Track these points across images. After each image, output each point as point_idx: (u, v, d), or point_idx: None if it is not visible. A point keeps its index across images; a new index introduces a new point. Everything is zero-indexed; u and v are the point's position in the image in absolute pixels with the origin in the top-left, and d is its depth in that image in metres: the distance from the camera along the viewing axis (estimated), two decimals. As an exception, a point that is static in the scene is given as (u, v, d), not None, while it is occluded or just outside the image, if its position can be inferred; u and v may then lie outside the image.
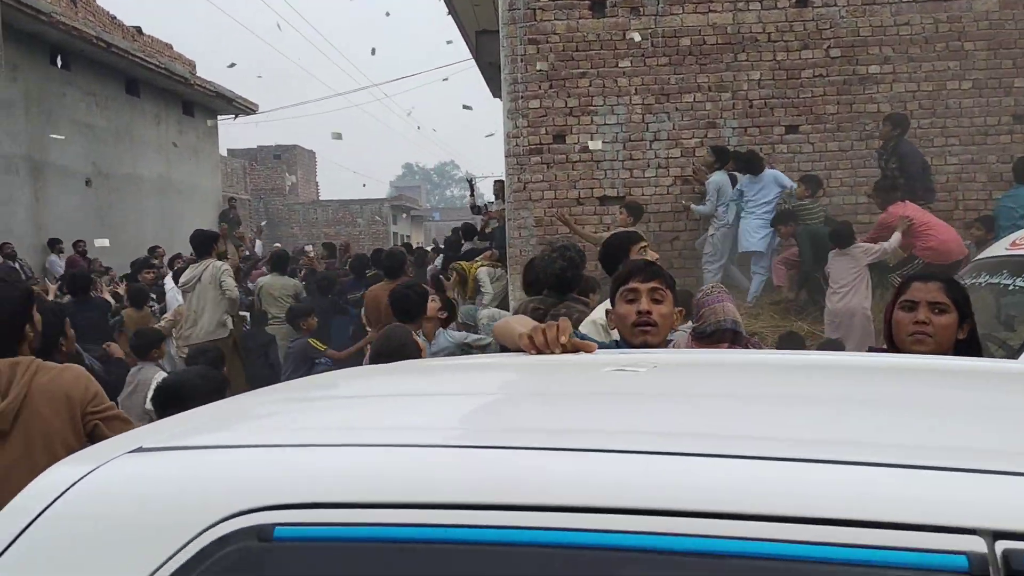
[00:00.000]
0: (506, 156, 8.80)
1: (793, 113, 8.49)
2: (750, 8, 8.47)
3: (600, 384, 1.54)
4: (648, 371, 1.62)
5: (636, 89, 8.64)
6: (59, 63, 14.80)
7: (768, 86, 8.49)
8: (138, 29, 17.77)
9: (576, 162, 8.69)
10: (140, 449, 1.19)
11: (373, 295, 6.71)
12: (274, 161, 33.85)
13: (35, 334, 2.70)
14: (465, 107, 12.90)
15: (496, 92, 13.97)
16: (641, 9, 8.60)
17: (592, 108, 8.67)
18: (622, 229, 8.00)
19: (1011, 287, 3.46)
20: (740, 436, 1.08)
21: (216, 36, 29.35)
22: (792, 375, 1.69)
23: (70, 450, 2.46)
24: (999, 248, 4.00)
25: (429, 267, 10.93)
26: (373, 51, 16.12)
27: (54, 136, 13.56)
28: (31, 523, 1.12)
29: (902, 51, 8.32)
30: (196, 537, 1.03)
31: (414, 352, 3.94)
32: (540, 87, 8.70)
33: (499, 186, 11.37)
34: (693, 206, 8.31)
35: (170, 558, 1.03)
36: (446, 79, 19.73)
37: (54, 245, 13.87)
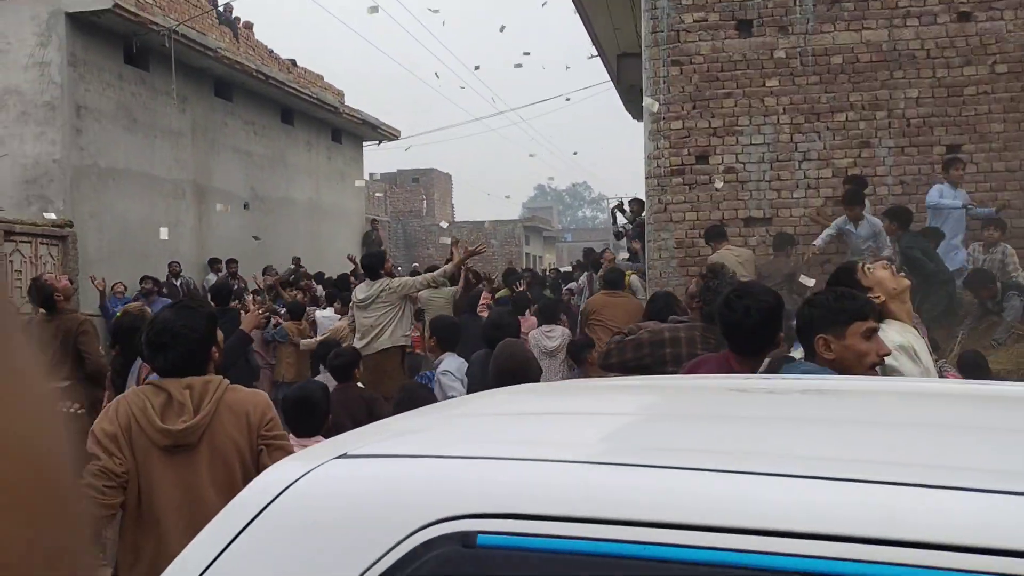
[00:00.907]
0: (647, 177, 8.76)
1: (955, 132, 8.05)
2: (907, 24, 8.12)
3: (784, 408, 1.52)
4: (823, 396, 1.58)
5: (784, 108, 8.43)
6: (221, 94, 15.85)
7: (927, 104, 8.10)
8: (293, 62, 18.83)
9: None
10: (345, 455, 1.26)
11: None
12: (412, 184, 34.99)
13: (219, 353, 2.94)
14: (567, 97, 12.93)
15: (637, 114, 13.95)
16: (790, 28, 8.41)
17: (737, 128, 8.52)
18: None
19: None
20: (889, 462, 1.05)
21: (361, 65, 30.67)
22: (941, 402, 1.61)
23: (245, 464, 2.65)
24: None
25: (572, 283, 11.07)
26: (502, 28, 16.08)
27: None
28: (253, 519, 1.20)
29: (1078, 64, 7.77)
30: (403, 540, 1.08)
31: (537, 369, 3.90)
32: (683, 108, 8.63)
33: (636, 205, 11.33)
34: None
35: (379, 559, 1.09)
36: (568, 99, 19.83)
37: (213, 264, 14.79)
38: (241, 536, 1.21)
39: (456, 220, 34.81)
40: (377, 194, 29.78)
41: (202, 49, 13.80)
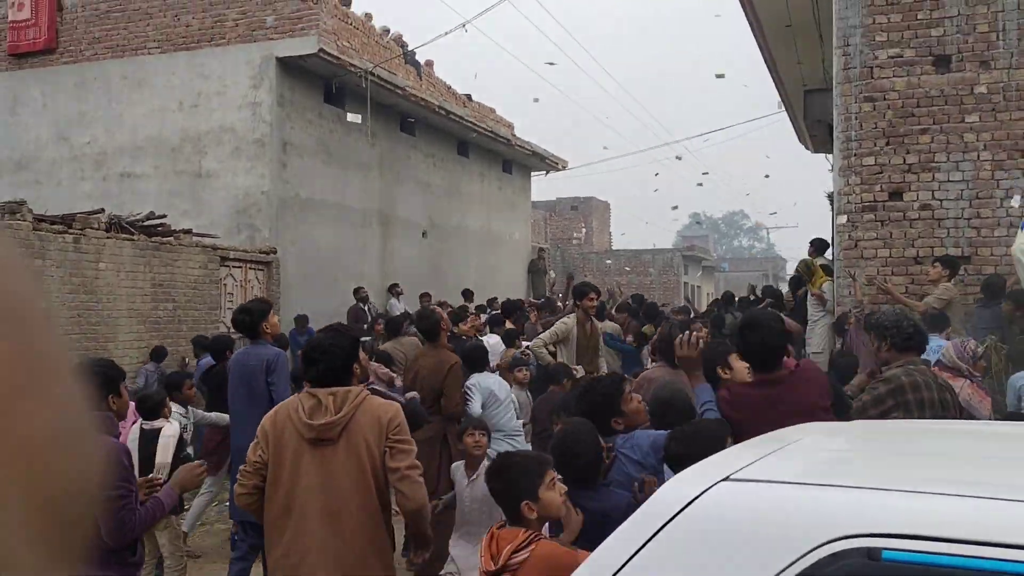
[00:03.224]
0: (837, 213, 8.71)
1: None
2: None
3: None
4: None
5: (985, 144, 8.20)
6: (406, 129, 16.86)
7: None
8: (468, 96, 19.73)
9: (915, 220, 8.40)
10: (729, 478, 1.55)
11: None
12: (571, 212, 35.54)
13: (361, 369, 3.74)
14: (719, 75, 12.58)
15: (814, 147, 13.80)
16: (991, 62, 8.20)
17: (934, 164, 8.36)
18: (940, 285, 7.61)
19: None
20: None
21: (529, 97, 31.51)
22: None
23: (374, 460, 3.18)
24: None
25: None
26: (720, 75, 16.29)
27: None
28: (661, 528, 1.51)
29: None
30: (811, 551, 1.35)
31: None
32: (875, 144, 8.55)
33: (818, 243, 11.18)
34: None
35: (790, 564, 1.36)
36: (720, 129, 19.71)
37: (393, 289, 15.68)
38: (651, 543, 1.51)
39: (613, 247, 35.03)
40: (537, 221, 30.46)
41: (392, 88, 14.79)
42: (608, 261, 31.97)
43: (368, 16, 16.00)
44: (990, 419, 4.67)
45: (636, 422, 3.56)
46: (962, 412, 4.06)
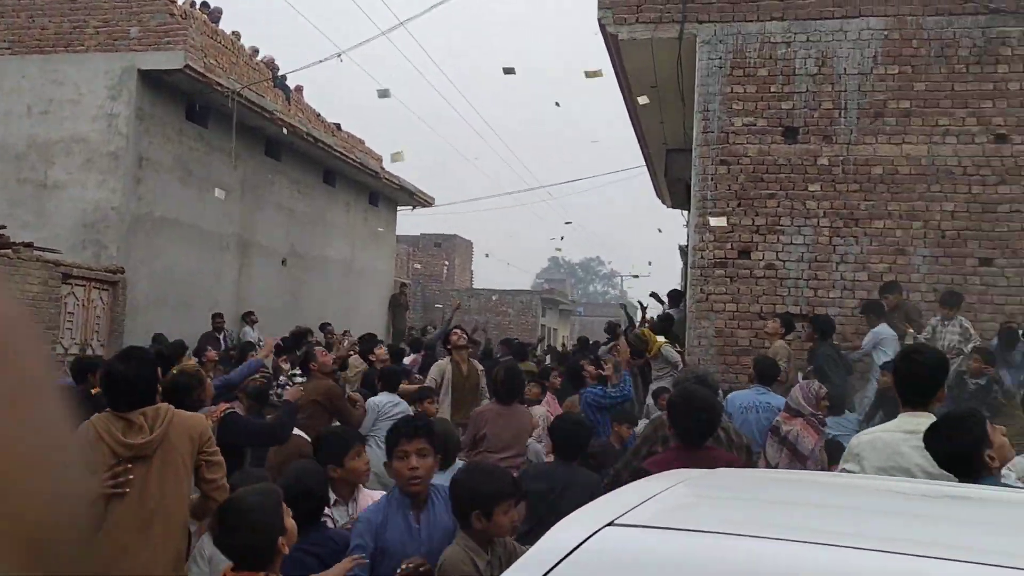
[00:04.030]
0: (691, 268, 9.20)
1: (988, 246, 8.50)
2: (946, 142, 8.64)
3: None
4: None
5: (824, 212, 8.91)
6: (271, 154, 16.49)
7: (962, 218, 8.57)
8: (337, 125, 19.53)
9: (760, 277, 8.98)
10: (614, 523, 1.62)
11: None
12: (435, 248, 35.65)
13: (162, 389, 3.96)
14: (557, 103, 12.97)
15: (672, 203, 14.50)
16: (833, 137, 8.94)
17: (779, 227, 8.98)
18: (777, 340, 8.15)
19: None
20: None
21: (401, 132, 31.50)
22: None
23: (188, 473, 3.41)
24: None
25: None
26: (557, 103, 17.06)
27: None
28: (548, 572, 1.56)
29: (1107, 191, 8.25)
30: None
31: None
32: (728, 204, 9.11)
33: (674, 294, 11.71)
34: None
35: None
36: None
37: (248, 317, 15.18)
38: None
39: (474, 287, 35.29)
40: (400, 256, 30.32)
41: (259, 110, 14.45)
42: (469, 300, 32.12)
43: (237, 35, 15.61)
44: (816, 452, 5.09)
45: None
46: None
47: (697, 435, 3.64)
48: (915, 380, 3.20)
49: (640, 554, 1.53)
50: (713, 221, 8.83)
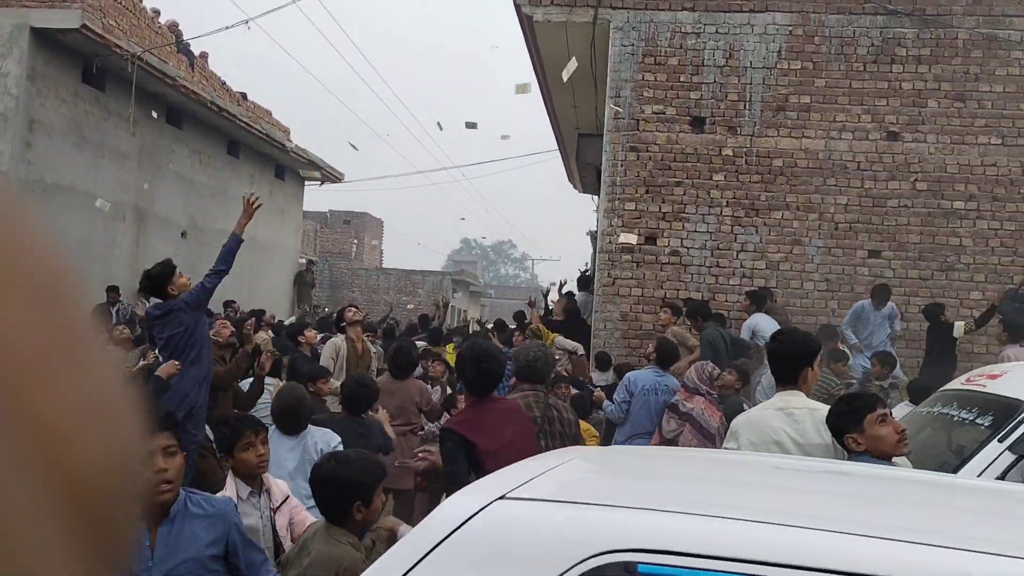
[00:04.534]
0: (599, 252, 9.32)
1: (877, 239, 8.90)
2: (842, 137, 8.99)
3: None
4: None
5: (727, 201, 9.15)
6: (172, 121, 15.88)
7: (854, 211, 8.94)
8: (243, 95, 18.94)
9: (665, 264, 9.17)
10: (505, 497, 1.63)
11: None
12: (343, 226, 35.08)
13: None
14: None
15: (583, 187, 14.65)
16: (738, 129, 9.18)
17: (684, 215, 9.18)
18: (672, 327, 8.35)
19: (959, 419, 3.72)
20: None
21: (308, 103, 30.82)
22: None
23: None
24: (956, 383, 4.36)
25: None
26: (440, 126, 17.28)
27: (145, 187, 14.22)
28: (438, 544, 1.56)
29: (987, 190, 8.74)
30: (575, 566, 1.46)
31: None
32: (637, 191, 9.26)
33: (584, 280, 11.85)
34: None
35: (557, 579, 1.46)
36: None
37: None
38: (426, 560, 1.55)
39: (384, 266, 34.93)
40: (307, 232, 29.73)
41: (160, 76, 13.89)
42: (378, 279, 31.82)
43: (140, -4, 14.93)
44: (721, 429, 5.29)
45: None
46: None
47: (482, 385, 3.71)
48: (780, 361, 3.38)
49: (529, 526, 1.54)
50: (623, 238, 8.95)
